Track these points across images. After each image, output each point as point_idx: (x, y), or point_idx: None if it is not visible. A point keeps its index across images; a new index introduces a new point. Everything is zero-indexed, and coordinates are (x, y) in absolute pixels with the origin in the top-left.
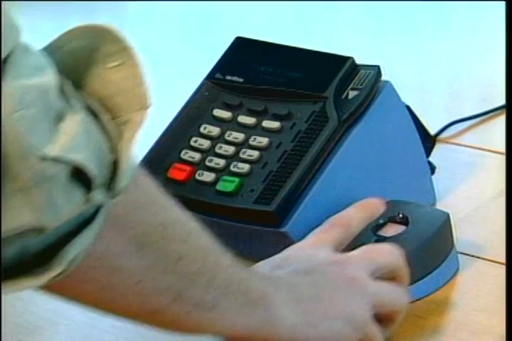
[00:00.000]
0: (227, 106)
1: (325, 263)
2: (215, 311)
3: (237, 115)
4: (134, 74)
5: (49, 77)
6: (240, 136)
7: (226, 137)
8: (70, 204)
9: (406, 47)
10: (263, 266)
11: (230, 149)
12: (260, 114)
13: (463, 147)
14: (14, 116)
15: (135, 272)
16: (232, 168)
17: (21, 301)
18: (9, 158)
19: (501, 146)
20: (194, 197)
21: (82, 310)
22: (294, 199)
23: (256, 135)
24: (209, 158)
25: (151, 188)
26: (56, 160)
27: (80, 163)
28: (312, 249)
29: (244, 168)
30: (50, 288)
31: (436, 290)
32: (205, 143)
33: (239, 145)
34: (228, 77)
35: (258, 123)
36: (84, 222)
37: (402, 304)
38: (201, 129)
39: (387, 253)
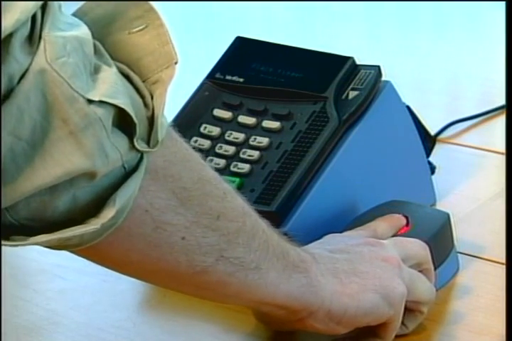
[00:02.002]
0: (227, 106)
1: (361, 244)
2: (258, 272)
3: (237, 115)
4: (159, 34)
5: (84, 31)
6: (240, 136)
7: (226, 137)
8: (117, 149)
9: (406, 47)
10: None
11: (230, 149)
12: (260, 114)
13: (463, 147)
14: (58, 61)
15: (179, 228)
16: (232, 168)
17: (21, 301)
18: (57, 101)
19: (501, 146)
20: None
21: (82, 310)
22: (294, 199)
23: (256, 135)
24: (209, 158)
25: (185, 145)
26: (101, 103)
27: (123, 107)
28: (345, 236)
29: (245, 168)
30: (100, 247)
31: (437, 290)
32: (205, 143)
33: (239, 146)
34: (228, 77)
35: (258, 123)
36: (128, 174)
37: (431, 296)
38: (201, 129)
39: (416, 245)
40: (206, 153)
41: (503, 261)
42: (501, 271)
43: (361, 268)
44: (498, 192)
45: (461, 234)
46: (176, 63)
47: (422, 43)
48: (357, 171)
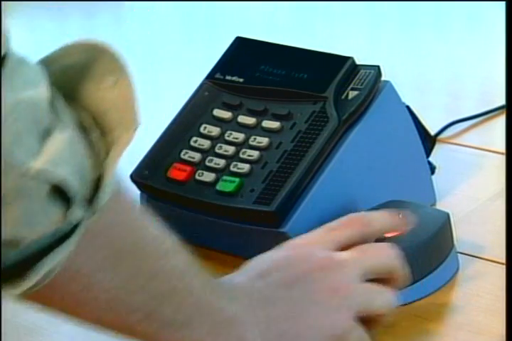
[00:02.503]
0: (227, 106)
1: (312, 269)
2: (185, 331)
3: (237, 115)
4: (128, 94)
5: (41, 91)
6: (240, 136)
7: (226, 137)
8: (47, 219)
9: (406, 47)
10: (243, 274)
11: (230, 149)
12: (260, 114)
13: (463, 147)
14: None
15: (108, 289)
16: (232, 168)
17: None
18: None
19: (501, 146)
20: (194, 197)
21: None
22: (294, 199)
23: (256, 135)
24: (209, 158)
25: (130, 206)
26: (38, 175)
27: (62, 180)
28: (310, 247)
29: (244, 168)
30: (30, 298)
31: (437, 290)
32: (205, 143)
33: (239, 146)
34: (228, 77)
35: (258, 123)
36: (63, 236)
37: (388, 307)
38: (201, 129)
39: (383, 254)
40: (206, 153)
41: (503, 261)
42: (501, 271)
43: (301, 309)
44: (498, 192)
45: (461, 234)
46: (136, 129)
47: (422, 43)
48: (357, 171)
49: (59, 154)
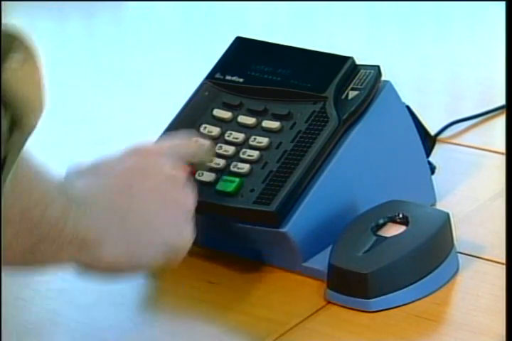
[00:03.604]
0: (227, 106)
1: (161, 181)
2: (56, 256)
3: (237, 115)
4: (34, 75)
5: None
6: (240, 136)
7: (226, 137)
8: None
9: (406, 47)
10: (103, 175)
11: (230, 149)
12: (260, 114)
13: (463, 147)
14: None
15: None
16: (232, 168)
17: (21, 301)
18: None
19: (501, 146)
20: None
21: (82, 310)
22: (294, 199)
23: (256, 135)
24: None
25: (23, 175)
26: None
27: None
28: (157, 157)
29: (244, 168)
30: None
31: (437, 290)
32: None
33: (239, 145)
34: (228, 77)
35: (258, 123)
36: None
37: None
38: (201, 129)
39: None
40: None
41: (503, 261)
42: (501, 271)
43: (154, 221)
44: (498, 192)
45: (461, 234)
46: (41, 114)
47: (422, 43)
48: (357, 171)
49: None
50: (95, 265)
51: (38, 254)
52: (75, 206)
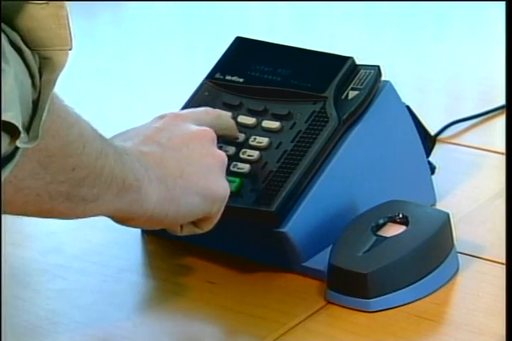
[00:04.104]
0: (227, 106)
1: (192, 137)
2: (97, 201)
3: (237, 115)
4: (58, 15)
5: None
6: (240, 136)
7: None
8: None
9: (406, 47)
10: (129, 140)
11: (230, 149)
12: (260, 114)
13: (463, 147)
14: None
15: (36, 188)
16: (232, 168)
17: (21, 301)
18: None
19: (501, 146)
20: None
21: (82, 310)
22: (294, 199)
23: (256, 135)
24: None
25: (57, 114)
26: None
27: (11, 121)
28: (185, 120)
29: (244, 168)
30: None
31: (437, 290)
32: None
33: (239, 146)
34: (228, 77)
35: (258, 123)
36: (9, 155)
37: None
38: None
39: (209, 113)
40: None
41: (503, 261)
42: (501, 271)
43: (188, 169)
44: (498, 192)
45: (461, 234)
46: (70, 50)
47: (422, 43)
48: (357, 171)
49: (9, 97)
50: (137, 212)
51: (79, 199)
52: (112, 150)
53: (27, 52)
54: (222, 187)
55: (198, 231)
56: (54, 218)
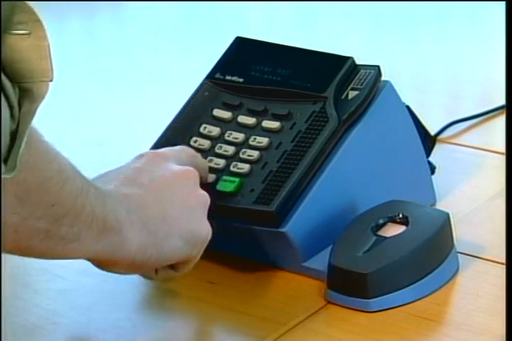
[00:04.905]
0: (227, 106)
1: (174, 177)
2: (77, 242)
3: (237, 115)
4: (40, 46)
5: None
6: (239, 136)
7: (226, 137)
8: None
9: (406, 47)
10: (109, 183)
11: (230, 149)
12: (260, 114)
13: (463, 147)
14: None
15: (13, 223)
16: (232, 168)
17: (21, 301)
18: None
19: (501, 146)
20: None
21: (82, 310)
22: (294, 199)
23: (256, 135)
24: (209, 158)
25: (36, 148)
26: None
27: None
28: (165, 159)
29: (244, 168)
30: None
31: (437, 290)
32: (205, 143)
33: (239, 146)
34: (228, 77)
35: (258, 123)
36: None
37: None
38: (201, 129)
39: (185, 152)
40: (206, 153)
41: (503, 261)
42: (501, 271)
43: (171, 212)
44: (498, 192)
45: (461, 234)
46: (50, 81)
47: (422, 43)
48: (357, 171)
49: None
50: (118, 256)
51: (58, 238)
52: (93, 189)
53: (7, 83)
54: (204, 229)
55: (174, 274)
56: (34, 257)
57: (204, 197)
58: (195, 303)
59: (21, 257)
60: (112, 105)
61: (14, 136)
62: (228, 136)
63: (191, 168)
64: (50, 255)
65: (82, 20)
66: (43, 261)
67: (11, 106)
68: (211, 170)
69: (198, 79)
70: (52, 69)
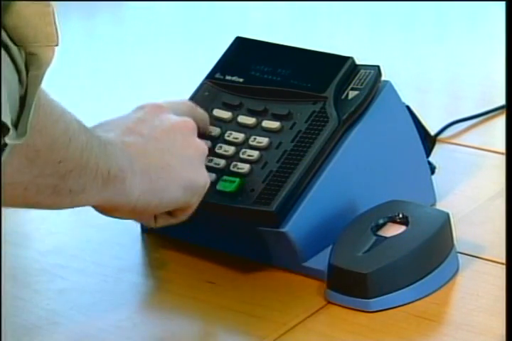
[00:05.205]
0: (227, 106)
1: (174, 127)
2: (83, 193)
3: (237, 115)
4: (44, 12)
5: None
6: (239, 136)
7: (226, 137)
8: None
9: (406, 47)
10: (111, 131)
11: (230, 149)
12: (260, 114)
13: (463, 147)
14: None
15: (23, 182)
16: (232, 168)
17: (21, 301)
18: None
19: (501, 146)
20: None
21: (82, 310)
22: (294, 199)
23: (256, 135)
24: (209, 158)
25: (44, 110)
26: None
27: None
28: (165, 110)
29: (244, 168)
30: None
31: (437, 290)
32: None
33: (239, 146)
34: (228, 77)
35: (258, 123)
36: None
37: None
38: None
39: (184, 105)
40: None
41: (503, 261)
42: (501, 271)
43: (171, 161)
44: (498, 192)
45: (461, 234)
46: (56, 46)
47: (422, 43)
48: (357, 171)
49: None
50: (121, 203)
51: (66, 191)
52: (97, 141)
53: (13, 48)
54: (202, 178)
55: (173, 221)
56: (42, 209)
57: (201, 147)
58: (195, 303)
59: (21, 257)
60: (112, 105)
61: (23, 101)
62: (228, 136)
63: (189, 119)
64: (57, 206)
65: (82, 20)
66: (43, 261)
67: (18, 71)
68: (211, 170)
69: (198, 79)
70: (57, 34)
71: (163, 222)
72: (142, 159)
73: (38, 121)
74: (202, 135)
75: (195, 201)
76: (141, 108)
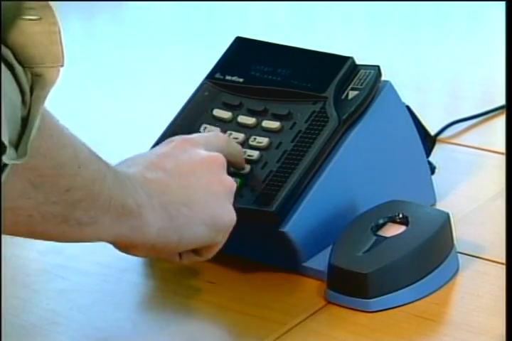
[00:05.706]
0: (227, 106)
1: (199, 163)
2: (95, 226)
3: (237, 115)
4: (51, 31)
5: None
6: (239, 136)
7: None
8: None
9: (406, 47)
10: (132, 166)
11: None
12: (260, 114)
13: (463, 147)
14: None
15: (27, 209)
16: (232, 168)
17: (21, 301)
18: None
19: (501, 146)
20: None
21: (82, 310)
22: (294, 199)
23: (256, 135)
24: None
25: (50, 133)
26: None
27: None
28: (192, 145)
29: (245, 168)
30: None
31: (437, 290)
32: None
33: None
34: (228, 77)
35: (258, 124)
36: None
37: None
38: (201, 129)
39: (218, 138)
40: None
41: (503, 261)
42: (501, 271)
43: (194, 197)
44: (498, 192)
45: (461, 234)
46: (61, 66)
47: (422, 43)
48: (357, 171)
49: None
50: (138, 239)
51: (74, 222)
52: (112, 174)
53: (18, 69)
54: (228, 216)
55: (199, 259)
56: (50, 240)
57: (229, 184)
58: (195, 303)
59: (21, 257)
60: (111, 105)
61: (25, 121)
62: (228, 136)
63: (218, 154)
64: (66, 238)
65: (82, 20)
66: (43, 261)
67: (22, 92)
68: None
69: (198, 79)
70: (63, 54)
71: (188, 260)
72: (162, 195)
73: (42, 144)
74: (229, 171)
75: (221, 239)
76: (169, 141)
